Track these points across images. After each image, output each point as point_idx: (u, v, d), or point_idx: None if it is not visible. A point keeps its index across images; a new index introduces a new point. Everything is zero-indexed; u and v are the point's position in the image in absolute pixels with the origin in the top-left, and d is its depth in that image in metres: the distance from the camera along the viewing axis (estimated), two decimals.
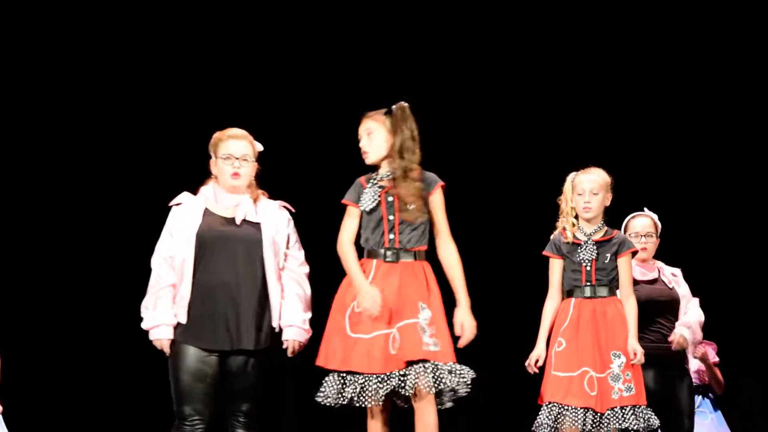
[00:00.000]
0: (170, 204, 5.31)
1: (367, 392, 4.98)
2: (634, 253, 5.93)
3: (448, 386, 4.99)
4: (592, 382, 5.63)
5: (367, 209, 5.12)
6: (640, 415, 5.67)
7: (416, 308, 5.03)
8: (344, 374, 5.03)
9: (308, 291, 5.29)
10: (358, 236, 5.16)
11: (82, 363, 7.77)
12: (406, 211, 5.09)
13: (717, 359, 7.37)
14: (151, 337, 5.16)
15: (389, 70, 7.76)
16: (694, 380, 6.91)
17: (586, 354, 5.67)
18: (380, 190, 5.13)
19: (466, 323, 5.09)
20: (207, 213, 5.23)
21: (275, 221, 5.28)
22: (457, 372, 4.99)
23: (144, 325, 5.18)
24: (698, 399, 7.35)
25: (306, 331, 5.24)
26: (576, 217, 5.85)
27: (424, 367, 4.96)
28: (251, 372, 5.15)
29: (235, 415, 5.20)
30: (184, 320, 5.14)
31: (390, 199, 5.12)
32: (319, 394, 5.05)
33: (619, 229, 6.18)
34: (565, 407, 5.61)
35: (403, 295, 5.04)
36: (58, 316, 7.77)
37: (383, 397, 4.98)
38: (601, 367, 5.66)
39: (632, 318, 5.77)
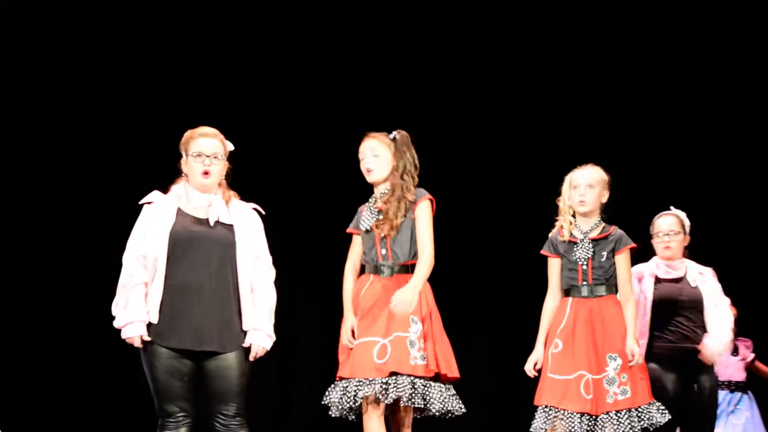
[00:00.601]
0: (140, 202, 5.20)
1: (348, 395, 5.30)
2: (633, 250, 5.75)
3: (428, 405, 5.30)
4: (588, 386, 5.55)
5: (364, 228, 5.51)
6: (642, 415, 5.56)
7: (407, 322, 5.33)
8: (348, 380, 5.36)
9: (274, 295, 5.21)
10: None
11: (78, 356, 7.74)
12: (392, 225, 5.43)
13: (753, 355, 7.24)
14: (124, 335, 5.06)
15: (389, 66, 7.69)
16: (734, 378, 6.69)
17: (581, 356, 5.58)
18: (376, 209, 5.50)
19: (398, 297, 5.31)
20: (179, 213, 5.14)
21: (248, 223, 5.20)
22: (439, 398, 5.32)
23: (116, 324, 5.08)
24: (736, 396, 7.16)
25: (270, 337, 5.16)
26: (574, 215, 5.75)
27: (407, 380, 5.28)
28: (227, 373, 5.06)
29: (217, 416, 5.10)
30: (155, 320, 5.04)
31: (379, 216, 5.48)
32: (327, 399, 5.42)
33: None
34: (561, 411, 5.52)
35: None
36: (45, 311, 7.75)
37: (360, 400, 5.28)
38: (596, 369, 5.57)
39: (630, 318, 5.65)
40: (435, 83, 7.74)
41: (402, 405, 5.29)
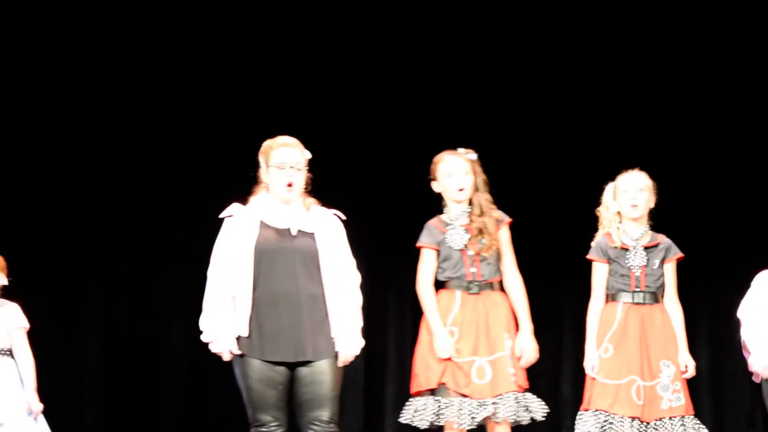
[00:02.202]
0: (221, 216, 5.20)
1: (463, 416, 5.44)
2: (679, 260, 5.80)
3: (525, 418, 5.52)
4: (639, 391, 5.60)
5: (458, 247, 5.59)
6: (689, 425, 5.61)
7: (502, 339, 5.56)
8: (438, 399, 5.48)
9: (360, 299, 5.26)
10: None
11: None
12: (483, 245, 5.59)
13: None
14: (213, 349, 5.12)
15: (426, 79, 7.66)
16: None
17: (633, 362, 5.64)
18: (462, 229, 5.62)
19: (527, 346, 5.58)
20: (262, 225, 5.15)
21: (329, 230, 5.21)
22: (532, 407, 5.52)
23: (204, 338, 5.12)
24: None
25: (359, 341, 5.21)
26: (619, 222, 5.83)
27: (511, 398, 5.47)
28: (320, 379, 5.08)
29: (311, 424, 5.11)
30: (245, 333, 5.07)
31: (469, 235, 5.61)
32: (413, 416, 5.53)
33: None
34: (612, 416, 5.57)
35: (489, 326, 5.55)
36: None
37: (479, 422, 5.47)
38: (649, 375, 5.62)
39: (681, 328, 5.74)
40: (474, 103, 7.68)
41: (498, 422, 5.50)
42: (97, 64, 7.52)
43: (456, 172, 5.60)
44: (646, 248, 5.72)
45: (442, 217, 5.67)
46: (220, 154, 7.40)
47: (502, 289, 5.64)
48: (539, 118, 7.61)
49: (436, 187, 5.68)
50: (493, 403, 5.43)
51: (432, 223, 5.66)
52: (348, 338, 5.14)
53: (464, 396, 5.45)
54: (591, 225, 5.89)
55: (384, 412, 7.52)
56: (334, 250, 5.18)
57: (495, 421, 5.45)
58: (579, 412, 5.69)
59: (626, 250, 5.73)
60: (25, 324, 6.07)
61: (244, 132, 6.99)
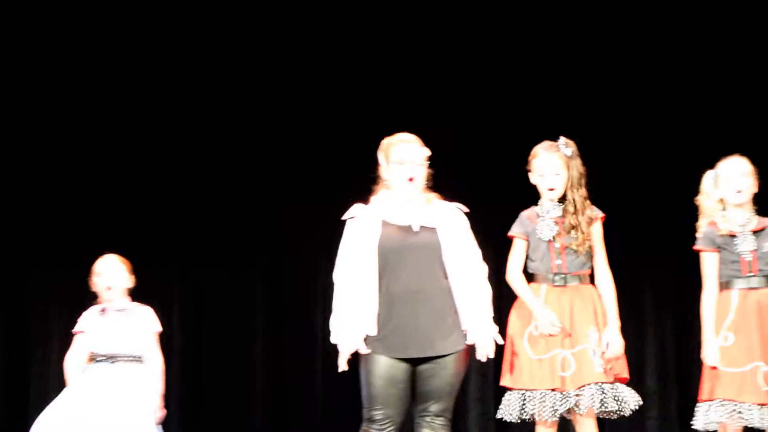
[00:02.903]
0: (344, 218, 5.32)
1: (546, 408, 5.46)
2: None
3: (613, 409, 5.51)
4: (765, 377, 5.58)
5: (546, 239, 5.61)
6: None
7: (586, 331, 5.55)
8: (524, 392, 5.52)
9: (489, 291, 5.33)
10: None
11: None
12: (573, 239, 5.60)
13: None
14: (341, 349, 5.21)
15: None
16: None
17: (755, 348, 5.62)
18: (552, 221, 5.63)
19: (613, 341, 5.55)
20: (384, 223, 5.25)
21: (451, 223, 5.29)
22: (622, 398, 5.52)
23: (333, 339, 5.24)
24: None
25: (493, 331, 5.27)
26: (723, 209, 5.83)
27: (596, 388, 5.47)
28: (442, 373, 5.18)
29: (423, 414, 5.23)
30: (373, 332, 5.17)
31: (558, 227, 5.62)
32: (501, 410, 5.58)
33: None
34: (740, 404, 5.57)
35: (573, 319, 5.57)
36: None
37: (560, 414, 5.49)
38: None
39: None
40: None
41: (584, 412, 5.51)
42: (196, 63, 7.66)
43: (547, 173, 5.64)
44: (754, 232, 5.72)
45: (536, 208, 5.70)
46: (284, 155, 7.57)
47: (591, 282, 5.65)
48: (636, 111, 7.62)
49: (531, 178, 5.72)
50: (576, 394, 5.45)
51: (525, 213, 5.71)
52: (482, 330, 5.20)
53: (549, 390, 5.48)
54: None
55: (467, 404, 7.58)
56: (458, 243, 5.24)
57: (579, 413, 5.48)
58: (698, 404, 5.69)
59: (733, 236, 5.72)
60: (158, 328, 6.16)
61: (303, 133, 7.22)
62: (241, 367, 7.63)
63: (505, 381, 5.61)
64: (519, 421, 5.56)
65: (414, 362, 5.17)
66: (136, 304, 6.23)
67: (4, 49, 7.57)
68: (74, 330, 6.17)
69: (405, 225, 5.24)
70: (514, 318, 5.65)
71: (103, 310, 6.17)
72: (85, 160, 7.62)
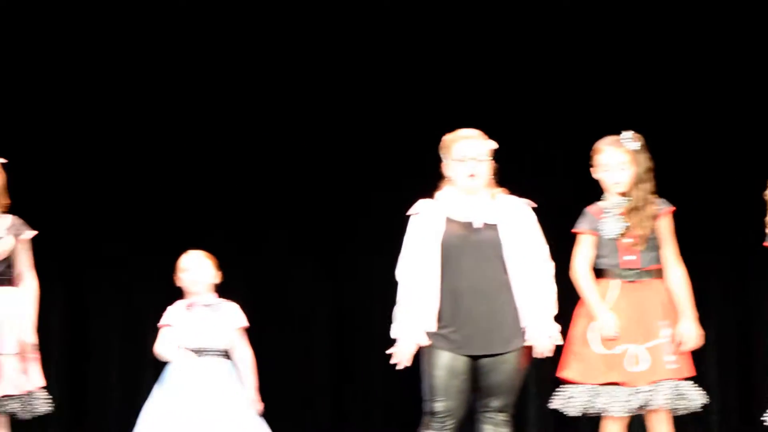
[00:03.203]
0: (408, 213, 5.35)
1: (616, 403, 5.45)
2: None
3: (683, 406, 5.52)
4: None
5: (612, 236, 5.56)
6: None
7: (658, 327, 5.53)
8: (593, 386, 5.50)
9: (553, 289, 5.32)
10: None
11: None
12: (640, 234, 5.54)
13: None
14: (403, 344, 5.24)
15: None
16: None
17: None
18: (619, 216, 5.57)
19: (688, 333, 5.54)
20: (447, 220, 5.27)
21: (515, 219, 5.29)
22: (691, 395, 5.53)
23: (393, 334, 5.28)
24: None
25: (553, 331, 5.29)
26: None
27: (669, 385, 5.49)
28: (502, 368, 5.21)
29: (485, 410, 5.27)
30: (434, 328, 5.21)
31: (627, 224, 5.55)
32: (562, 403, 5.56)
33: None
34: None
35: (645, 314, 5.54)
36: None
37: (632, 409, 5.47)
38: None
39: None
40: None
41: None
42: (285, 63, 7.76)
43: (612, 167, 5.61)
44: None
45: (600, 203, 5.65)
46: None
47: (660, 276, 5.59)
48: (705, 104, 7.62)
49: (594, 174, 5.70)
50: (649, 390, 5.45)
51: (590, 209, 5.66)
52: (540, 329, 5.21)
53: (619, 384, 5.47)
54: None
55: (527, 396, 7.58)
56: (521, 240, 5.24)
57: (651, 409, 5.48)
58: None
59: None
60: (244, 323, 6.21)
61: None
62: (303, 363, 7.75)
63: (569, 374, 5.59)
64: (581, 415, 5.57)
65: (474, 356, 5.20)
66: (222, 299, 6.30)
67: (62, 52, 7.69)
68: (160, 324, 6.26)
69: (467, 221, 5.27)
70: (582, 312, 5.63)
71: (189, 305, 6.25)
72: (150, 165, 7.77)
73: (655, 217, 5.59)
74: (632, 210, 5.58)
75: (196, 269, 6.26)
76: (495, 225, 5.25)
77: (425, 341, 5.20)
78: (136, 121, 7.74)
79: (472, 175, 5.26)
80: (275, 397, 6.33)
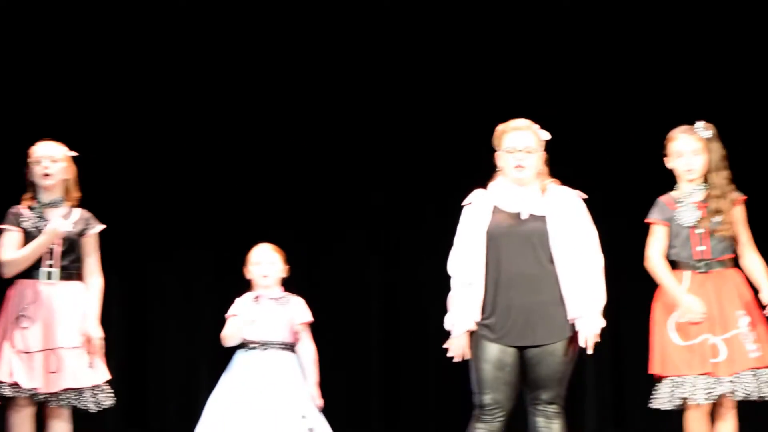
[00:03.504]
0: (463, 204, 5.40)
1: (698, 392, 5.47)
2: None
3: (765, 394, 5.56)
4: None
5: (689, 224, 5.58)
6: None
7: (735, 316, 5.55)
8: (675, 378, 5.53)
9: (601, 282, 5.29)
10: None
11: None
12: (717, 223, 5.55)
13: None
14: (453, 335, 5.30)
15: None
16: None
17: None
18: (694, 206, 5.59)
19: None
20: (495, 210, 5.31)
21: (564, 211, 5.29)
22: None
23: (446, 325, 5.33)
24: None
25: (598, 323, 5.24)
26: None
27: (751, 374, 5.52)
28: (549, 360, 5.22)
29: (535, 403, 5.27)
30: (479, 318, 5.24)
31: (700, 213, 5.58)
32: (654, 398, 5.62)
33: None
34: None
35: (720, 305, 5.55)
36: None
37: (715, 399, 5.50)
38: None
39: None
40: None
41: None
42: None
43: (686, 153, 5.62)
44: None
45: (673, 193, 5.68)
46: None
47: (732, 266, 5.62)
48: None
49: (668, 163, 5.68)
50: (730, 381, 5.47)
51: (663, 199, 5.69)
52: (585, 320, 5.19)
53: (701, 374, 5.48)
54: None
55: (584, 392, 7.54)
56: (570, 231, 5.24)
57: (733, 399, 5.51)
58: None
59: None
60: (309, 318, 6.22)
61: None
62: (357, 355, 7.79)
63: (654, 369, 5.64)
64: (672, 408, 5.57)
65: (521, 347, 5.21)
66: (288, 293, 6.33)
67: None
68: (227, 315, 6.27)
69: (514, 212, 5.29)
70: (658, 306, 5.66)
71: (257, 298, 6.28)
72: (216, 159, 7.84)
73: (731, 206, 5.60)
74: (713, 197, 5.59)
75: (266, 263, 6.30)
76: (543, 216, 5.27)
77: (471, 330, 5.25)
78: (201, 115, 7.84)
79: (519, 166, 5.28)
80: (331, 393, 6.34)
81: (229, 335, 6.19)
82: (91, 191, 6.20)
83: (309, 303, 6.27)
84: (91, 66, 7.71)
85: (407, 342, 7.80)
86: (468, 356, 5.28)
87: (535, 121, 5.44)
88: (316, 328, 6.29)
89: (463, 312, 5.24)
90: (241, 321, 6.15)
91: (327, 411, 6.15)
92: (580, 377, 7.30)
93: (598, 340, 5.24)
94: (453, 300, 5.30)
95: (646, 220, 5.71)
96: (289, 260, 6.31)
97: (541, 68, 7.65)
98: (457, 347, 5.29)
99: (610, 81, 7.65)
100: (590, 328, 5.19)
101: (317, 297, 6.57)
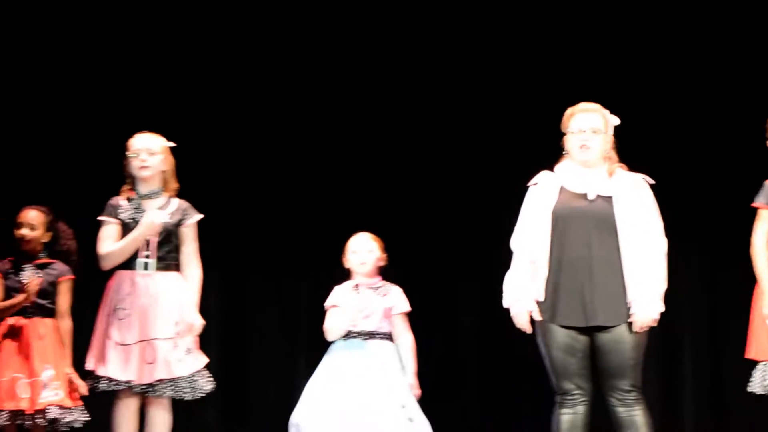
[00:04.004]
0: (528, 184, 5.40)
1: None
2: None
3: None
4: None
5: None
6: None
7: None
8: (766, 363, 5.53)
9: (659, 266, 5.21)
10: None
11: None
12: None
13: None
14: (512, 313, 5.30)
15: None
16: None
17: None
18: None
19: None
20: (562, 190, 5.29)
21: (630, 194, 5.24)
22: None
23: (504, 303, 5.32)
24: None
25: (656, 308, 5.16)
26: None
27: None
28: (619, 348, 5.15)
29: (612, 391, 5.20)
30: (541, 297, 5.22)
31: None
32: (751, 383, 5.59)
33: None
34: None
35: None
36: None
37: None
38: None
39: None
40: None
41: None
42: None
43: None
44: None
45: None
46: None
47: None
48: None
49: None
50: None
51: None
52: (643, 303, 5.12)
53: None
54: None
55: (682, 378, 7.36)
56: (634, 215, 5.19)
57: None
58: None
59: None
60: (407, 308, 6.20)
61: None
62: (450, 337, 7.75)
63: (750, 354, 5.61)
64: (763, 393, 5.55)
65: (589, 333, 5.17)
66: (386, 282, 6.32)
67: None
68: (327, 305, 6.28)
69: (580, 193, 5.26)
70: (758, 292, 5.60)
71: (356, 286, 6.28)
72: (316, 156, 7.85)
73: None
74: None
75: (365, 251, 6.30)
76: (610, 198, 5.23)
77: (535, 309, 5.21)
78: (301, 115, 7.86)
79: (584, 146, 5.25)
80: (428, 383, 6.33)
81: (332, 328, 6.19)
82: (191, 183, 6.26)
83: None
84: (193, 59, 7.78)
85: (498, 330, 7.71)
86: (529, 330, 5.28)
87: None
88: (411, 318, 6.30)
89: (524, 290, 5.23)
90: (343, 315, 6.14)
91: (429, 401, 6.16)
92: (679, 366, 7.26)
93: (654, 325, 5.19)
94: (513, 277, 5.28)
95: (753, 204, 5.62)
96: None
97: (613, 60, 7.60)
98: (520, 324, 5.28)
99: (692, 72, 7.57)
100: (646, 313, 5.13)
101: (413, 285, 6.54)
